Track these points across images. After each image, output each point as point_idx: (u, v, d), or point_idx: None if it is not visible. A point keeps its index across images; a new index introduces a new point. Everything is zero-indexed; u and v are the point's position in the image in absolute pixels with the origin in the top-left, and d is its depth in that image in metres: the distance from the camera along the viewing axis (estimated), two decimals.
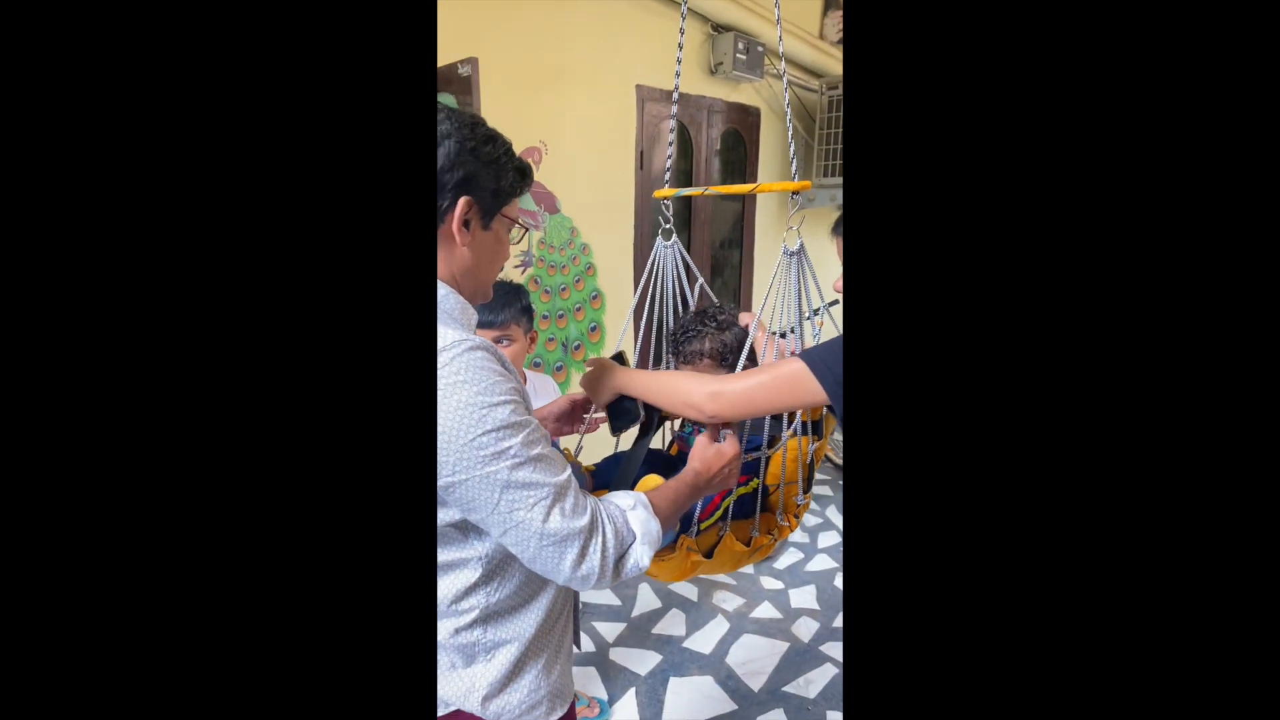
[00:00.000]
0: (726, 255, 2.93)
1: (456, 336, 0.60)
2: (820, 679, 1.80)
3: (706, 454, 0.82)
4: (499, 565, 0.68)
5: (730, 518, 1.00)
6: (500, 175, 0.67)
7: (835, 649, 1.92)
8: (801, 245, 0.93)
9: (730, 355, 1.05)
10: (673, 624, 2.02)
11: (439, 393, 0.58)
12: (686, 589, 2.19)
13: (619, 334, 2.36)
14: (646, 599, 2.14)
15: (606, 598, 2.13)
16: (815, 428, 1.03)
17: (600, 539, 0.64)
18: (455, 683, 0.70)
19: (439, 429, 0.58)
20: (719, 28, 2.39)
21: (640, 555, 0.68)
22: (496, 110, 1.76)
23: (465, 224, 0.66)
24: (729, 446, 0.83)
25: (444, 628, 0.68)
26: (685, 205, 2.57)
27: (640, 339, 1.18)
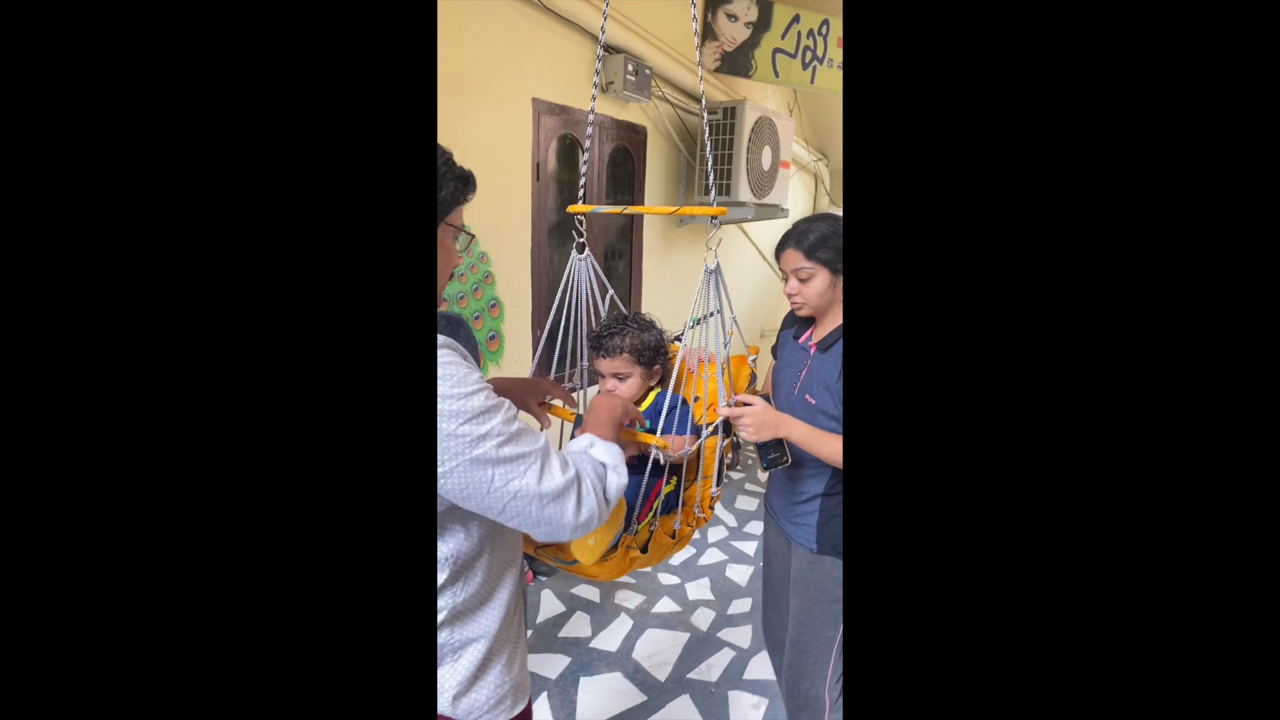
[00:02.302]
0: (612, 266, 3.03)
1: None
2: (720, 663, 1.93)
3: (607, 401, 0.93)
4: (465, 565, 0.71)
5: (658, 514, 1.08)
6: (440, 185, 0.69)
7: (731, 634, 2.06)
8: (718, 264, 1.02)
9: (647, 354, 1.13)
10: (578, 626, 2.06)
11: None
12: (589, 591, 2.24)
13: (518, 342, 2.38)
14: (550, 604, 2.16)
15: None
16: (727, 428, 1.13)
17: (588, 481, 0.71)
18: None
19: None
20: (610, 49, 2.49)
21: (619, 477, 0.76)
22: None
23: None
24: (632, 408, 0.96)
25: None
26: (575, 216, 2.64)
27: (546, 345, 1.23)
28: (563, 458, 0.71)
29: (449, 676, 0.72)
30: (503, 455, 0.64)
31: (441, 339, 0.64)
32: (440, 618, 0.70)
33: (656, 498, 1.05)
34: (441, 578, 0.69)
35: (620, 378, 1.15)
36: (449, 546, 0.69)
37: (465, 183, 0.73)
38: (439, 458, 0.61)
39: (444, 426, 0.61)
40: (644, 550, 1.05)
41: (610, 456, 0.78)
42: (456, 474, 0.62)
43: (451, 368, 0.63)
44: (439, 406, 0.61)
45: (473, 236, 0.78)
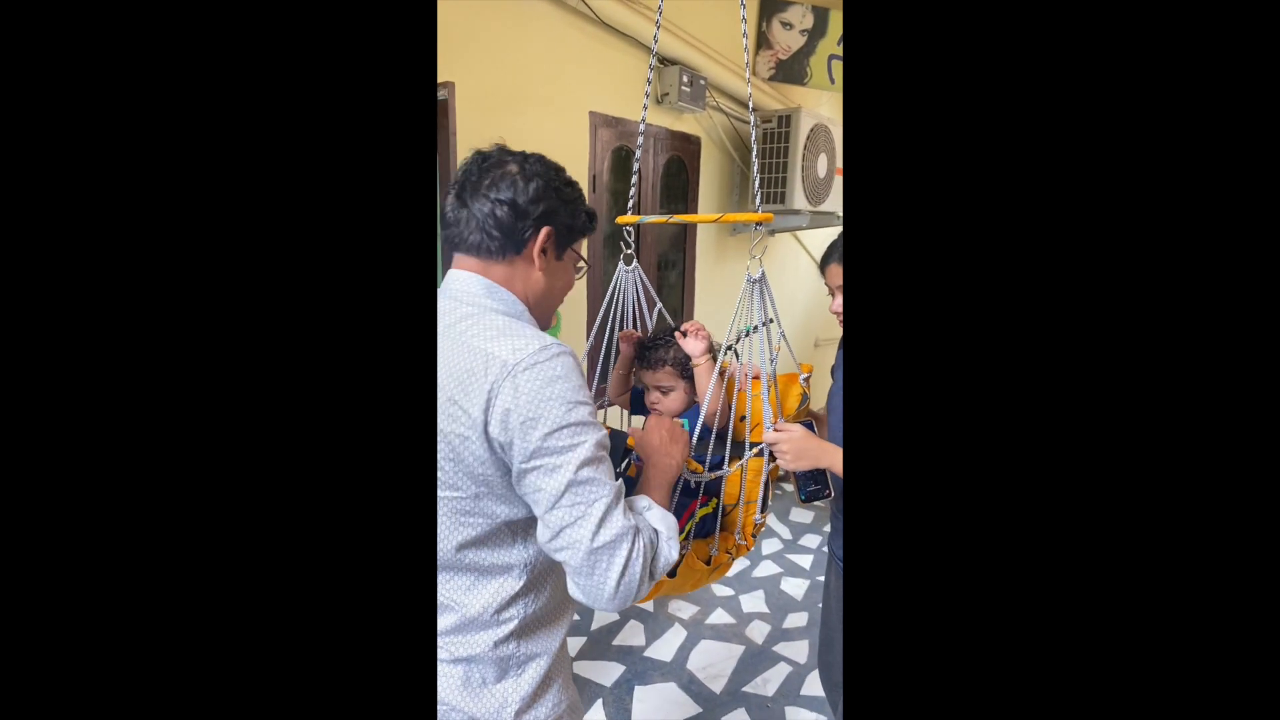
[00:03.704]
0: (664, 276, 3.04)
1: (550, 340, 0.67)
2: (776, 678, 1.90)
3: (662, 436, 0.87)
4: (539, 575, 0.72)
5: (692, 537, 1.04)
6: (575, 214, 0.76)
7: (787, 649, 2.02)
8: (763, 273, 1.00)
9: (691, 368, 1.10)
10: (632, 635, 2.07)
11: (536, 380, 0.63)
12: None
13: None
14: (604, 613, 2.18)
15: None
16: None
17: (641, 541, 0.67)
18: (487, 699, 0.72)
19: (526, 415, 0.62)
20: (665, 60, 2.52)
21: (670, 551, 0.71)
22: (467, 132, 1.81)
23: (543, 251, 0.74)
24: (681, 436, 0.89)
25: (485, 639, 0.71)
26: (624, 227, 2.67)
27: (589, 358, 1.23)
28: (626, 509, 0.68)
29: (511, 691, 0.72)
30: (580, 477, 0.64)
31: (565, 347, 0.68)
32: (510, 628, 0.71)
33: (688, 520, 1.00)
34: (517, 585, 0.71)
35: (664, 391, 1.13)
36: (530, 551, 0.71)
37: (592, 219, 0.80)
38: (531, 450, 0.63)
39: (549, 421, 0.63)
40: (671, 575, 0.98)
41: (666, 526, 0.73)
42: (538, 473, 0.64)
43: (575, 373, 0.67)
44: (555, 401, 0.64)
45: (589, 265, 0.84)
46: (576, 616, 2.12)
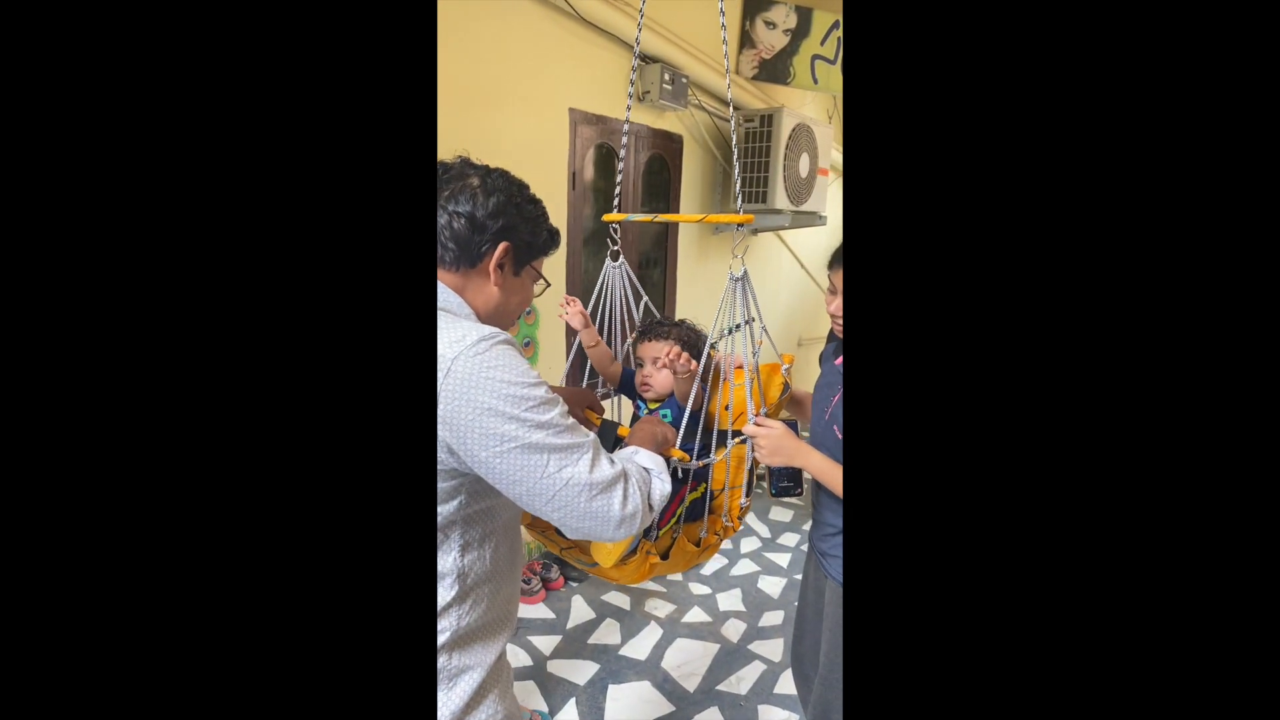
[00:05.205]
0: (647, 274, 3.03)
1: (489, 330, 0.66)
2: (750, 676, 1.90)
3: (649, 425, 0.93)
4: (472, 586, 0.70)
5: (682, 521, 1.07)
6: (536, 231, 0.77)
7: (762, 647, 2.03)
8: (745, 272, 1.01)
9: (690, 350, 1.11)
10: (608, 633, 2.06)
11: (481, 371, 0.63)
12: (619, 599, 2.24)
13: (552, 349, 2.40)
14: (580, 610, 2.16)
15: (541, 611, 2.14)
16: None
17: (634, 479, 0.73)
18: None
19: (483, 406, 0.62)
20: (647, 58, 2.51)
21: (663, 484, 0.79)
22: (447, 128, 1.78)
23: (500, 266, 0.74)
24: (672, 434, 0.95)
25: None
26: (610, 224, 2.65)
27: (580, 351, 1.24)
28: (609, 455, 0.73)
29: (443, 705, 0.69)
30: (558, 444, 0.66)
31: (505, 334, 0.68)
32: (443, 639, 0.68)
33: (679, 505, 1.04)
34: (449, 595, 0.68)
35: (659, 365, 1.14)
36: (464, 560, 0.69)
37: (554, 237, 0.81)
38: (499, 438, 0.63)
39: (507, 410, 0.63)
40: (664, 557, 1.04)
41: (654, 464, 0.80)
42: (512, 456, 0.64)
43: (516, 359, 0.66)
44: (502, 392, 0.63)
45: (549, 284, 0.84)
46: (551, 618, 2.11)
